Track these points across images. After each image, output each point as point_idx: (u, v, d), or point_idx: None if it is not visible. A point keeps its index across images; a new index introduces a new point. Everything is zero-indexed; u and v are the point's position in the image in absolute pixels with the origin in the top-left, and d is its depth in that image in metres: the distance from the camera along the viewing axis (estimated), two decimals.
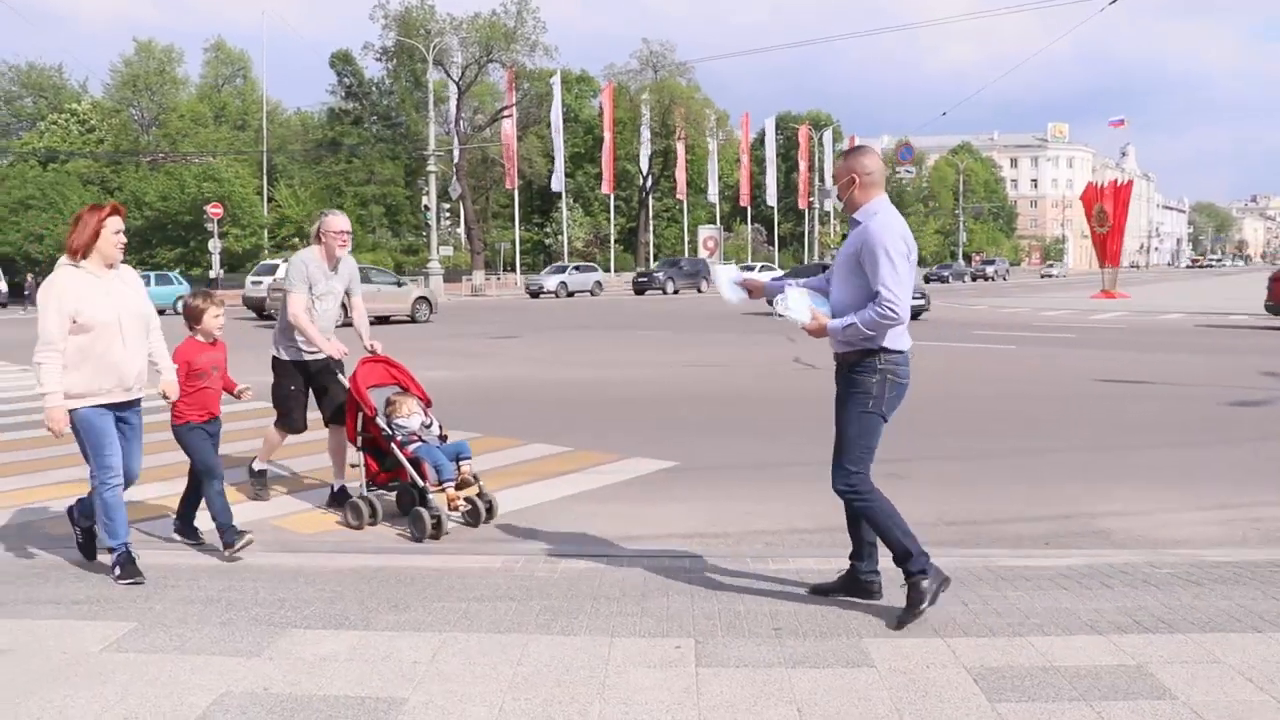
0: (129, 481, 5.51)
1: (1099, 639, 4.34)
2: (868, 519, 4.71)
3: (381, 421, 6.60)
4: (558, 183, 64.00)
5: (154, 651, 4.28)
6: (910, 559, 4.61)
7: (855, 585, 4.93)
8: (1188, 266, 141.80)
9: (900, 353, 4.66)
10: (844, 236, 5.00)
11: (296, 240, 57.52)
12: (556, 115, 61.16)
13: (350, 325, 7.28)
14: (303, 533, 6.67)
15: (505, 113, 62.30)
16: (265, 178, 64.49)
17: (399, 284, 32.72)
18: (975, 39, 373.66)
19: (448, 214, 69.67)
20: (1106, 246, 45.93)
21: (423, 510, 6.29)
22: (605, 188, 66.96)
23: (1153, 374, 15.08)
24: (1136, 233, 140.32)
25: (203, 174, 59.02)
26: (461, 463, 6.61)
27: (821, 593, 4.98)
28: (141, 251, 56.55)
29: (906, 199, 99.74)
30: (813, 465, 5.39)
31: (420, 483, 6.38)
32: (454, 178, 58.99)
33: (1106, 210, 44.95)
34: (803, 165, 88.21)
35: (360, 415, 6.69)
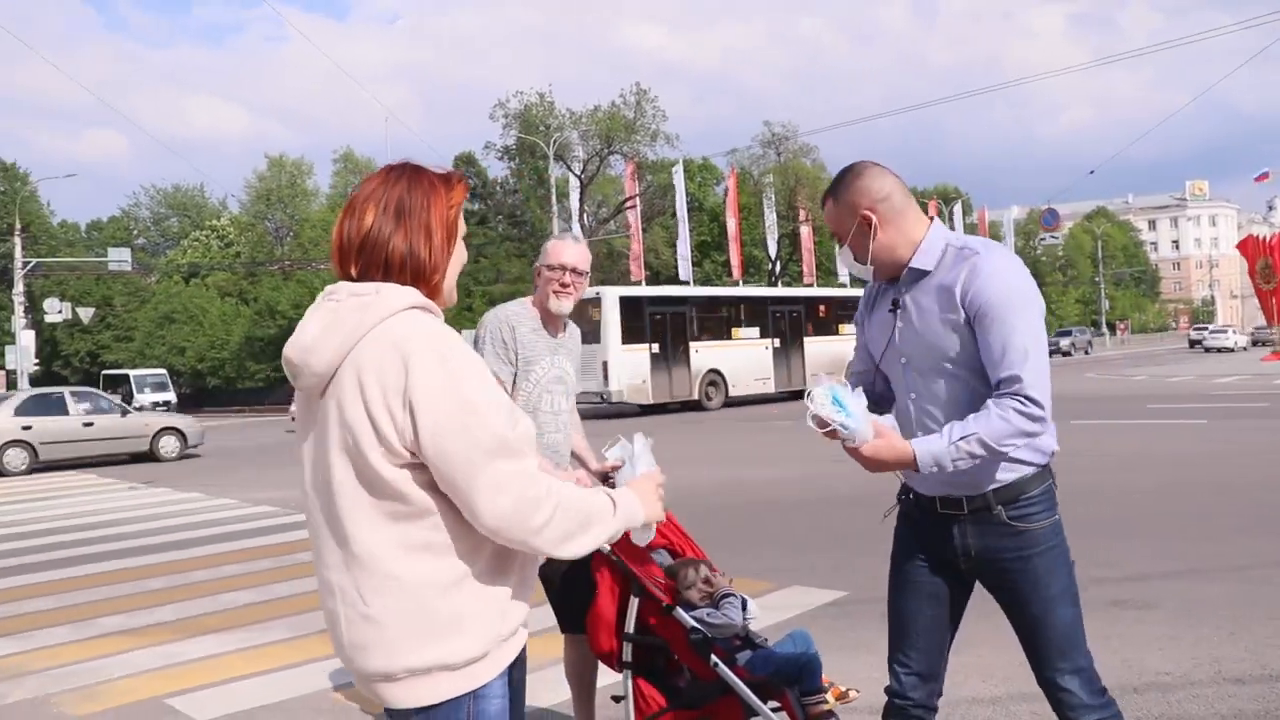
0: None
1: None
2: None
3: (685, 614, 3.49)
4: (685, 272, 63.23)
5: None
6: None
7: None
8: None
9: (1054, 454, 2.83)
10: (895, 305, 2.87)
11: None
12: (681, 205, 60.52)
13: None
14: None
15: (629, 204, 62.08)
16: None
17: None
18: (1089, 102, 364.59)
19: None
20: (1273, 304, 42.81)
21: None
22: (734, 274, 65.84)
23: None
24: None
25: (334, 278, 60.04)
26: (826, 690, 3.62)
27: None
28: (276, 359, 57.57)
29: (1042, 268, 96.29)
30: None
31: None
32: None
33: (1273, 264, 41.94)
34: None
35: (632, 608, 3.56)
